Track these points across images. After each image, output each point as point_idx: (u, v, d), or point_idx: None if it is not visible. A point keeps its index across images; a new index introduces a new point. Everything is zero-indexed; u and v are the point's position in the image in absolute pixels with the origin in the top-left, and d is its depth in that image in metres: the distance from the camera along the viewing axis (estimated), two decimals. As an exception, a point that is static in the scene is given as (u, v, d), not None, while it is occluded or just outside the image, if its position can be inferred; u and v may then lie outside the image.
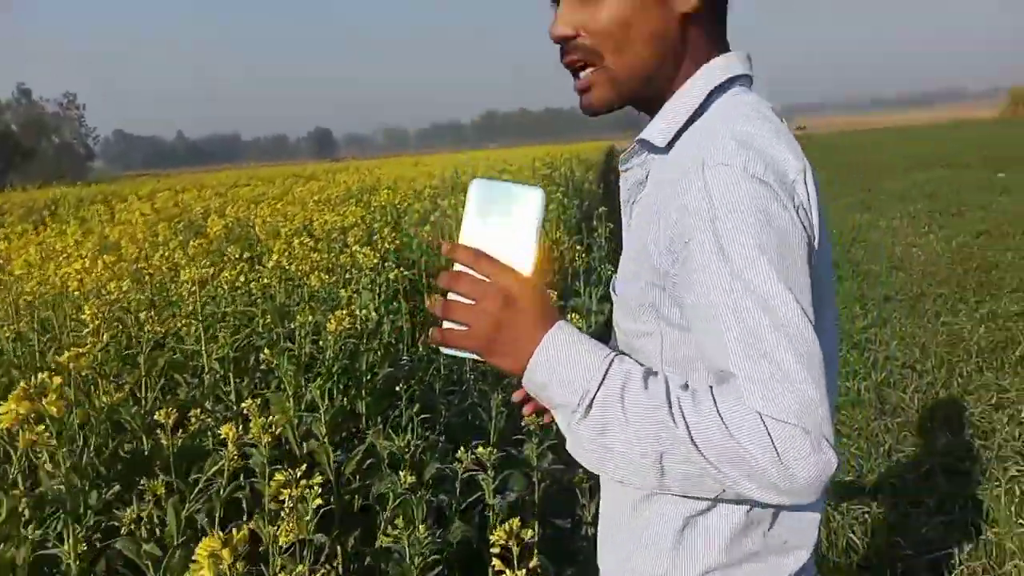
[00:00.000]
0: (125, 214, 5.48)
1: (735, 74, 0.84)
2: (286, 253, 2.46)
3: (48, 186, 21.12)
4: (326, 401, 1.45)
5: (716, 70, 0.83)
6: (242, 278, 2.29)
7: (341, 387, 1.74)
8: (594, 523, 1.39)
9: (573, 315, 2.40)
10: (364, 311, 1.78)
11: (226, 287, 2.30)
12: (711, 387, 0.70)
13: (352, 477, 1.66)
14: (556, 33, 0.83)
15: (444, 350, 0.77)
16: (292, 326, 1.69)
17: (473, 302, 0.73)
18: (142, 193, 11.25)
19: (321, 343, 1.72)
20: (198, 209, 5.64)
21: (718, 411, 0.67)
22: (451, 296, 0.75)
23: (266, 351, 1.48)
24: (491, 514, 1.30)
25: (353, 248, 2.78)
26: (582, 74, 0.84)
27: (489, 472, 1.22)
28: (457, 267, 0.75)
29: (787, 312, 0.68)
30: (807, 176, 0.75)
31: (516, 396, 0.94)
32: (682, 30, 0.82)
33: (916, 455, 3.29)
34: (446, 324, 0.75)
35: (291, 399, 1.48)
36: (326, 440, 1.51)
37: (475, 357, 0.76)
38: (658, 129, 0.83)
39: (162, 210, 6.00)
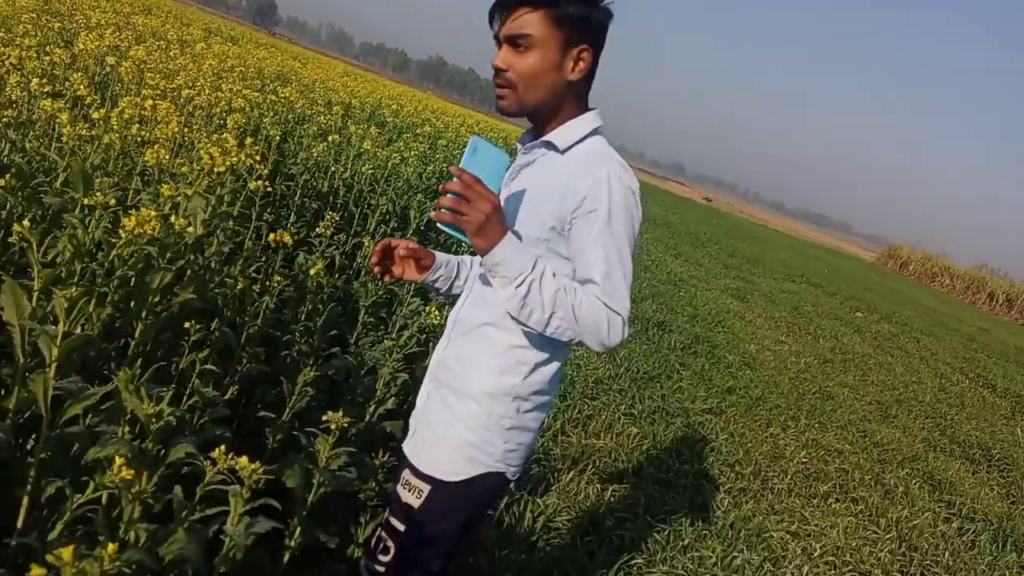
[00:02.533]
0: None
1: (600, 124, 1.46)
2: (136, 106, 1.97)
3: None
4: (66, 319, 1.00)
5: (593, 117, 1.45)
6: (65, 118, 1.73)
7: (112, 308, 1.30)
8: (365, 545, 1.81)
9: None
10: (186, 219, 1.38)
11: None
12: (581, 286, 1.32)
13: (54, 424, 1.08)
14: (495, 64, 1.40)
15: (441, 226, 1.27)
16: (85, 201, 1.24)
17: (471, 203, 1.25)
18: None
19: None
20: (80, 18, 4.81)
21: (586, 297, 1.30)
22: (452, 197, 1.25)
23: (24, 223, 1.01)
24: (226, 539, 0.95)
25: (220, 137, 2.30)
26: (501, 90, 1.41)
27: (247, 478, 0.89)
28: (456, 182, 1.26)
29: (627, 260, 1.35)
30: (640, 195, 1.43)
31: (373, 259, 1.56)
32: (566, 87, 1.41)
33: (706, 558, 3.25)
34: (448, 212, 1.25)
35: (34, 297, 1.02)
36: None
37: (461, 236, 1.28)
38: (562, 140, 1.42)
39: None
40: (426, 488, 1.46)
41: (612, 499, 3.54)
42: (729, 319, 9.09)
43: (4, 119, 1.93)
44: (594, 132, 1.44)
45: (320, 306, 2.24)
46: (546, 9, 1.33)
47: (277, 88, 4.38)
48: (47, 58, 2.87)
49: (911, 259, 52.82)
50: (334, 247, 3.40)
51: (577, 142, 1.42)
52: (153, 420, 0.90)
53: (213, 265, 1.72)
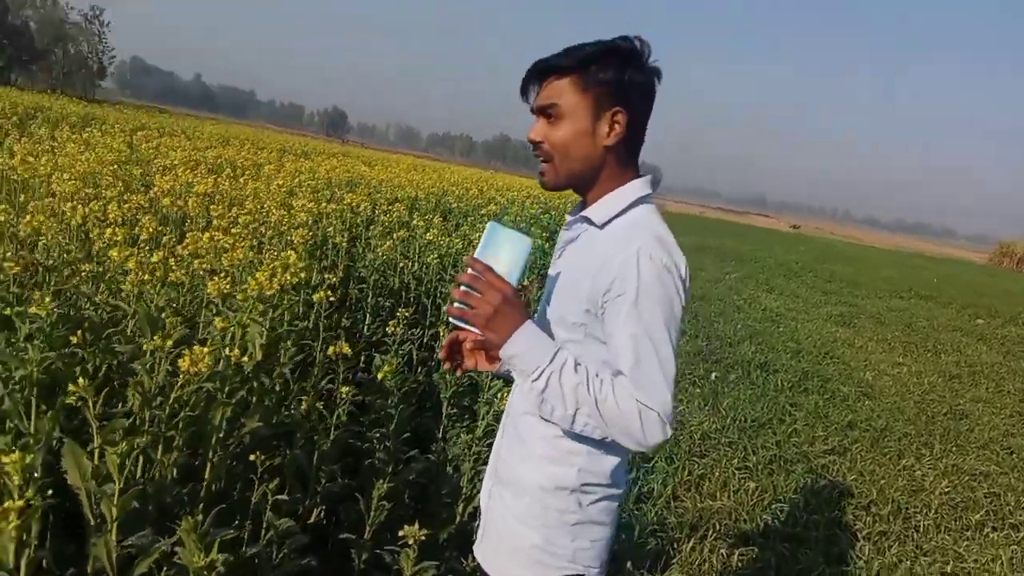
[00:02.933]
0: (73, 144, 5.00)
1: (647, 192, 1.35)
2: (196, 240, 2.04)
3: (49, 93, 20.30)
4: (120, 475, 0.96)
5: (639, 186, 1.34)
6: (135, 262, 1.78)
7: (178, 451, 1.27)
8: None
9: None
10: (243, 348, 1.36)
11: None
12: (612, 378, 1.22)
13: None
14: (530, 137, 1.35)
15: (454, 320, 1.24)
16: (144, 347, 1.24)
17: (480, 295, 1.21)
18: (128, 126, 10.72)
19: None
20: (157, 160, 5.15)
21: (614, 391, 1.20)
22: (463, 289, 1.22)
23: (80, 381, 0.98)
24: None
25: (283, 255, 2.32)
26: (541, 164, 1.35)
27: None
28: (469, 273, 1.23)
29: (664, 349, 1.22)
30: (686, 268, 1.29)
31: (442, 354, 1.48)
32: (604, 154, 1.32)
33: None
34: (458, 306, 1.22)
35: (95, 455, 1.00)
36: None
37: (474, 330, 1.23)
38: (599, 215, 1.33)
39: (123, 152, 5.54)
40: None
41: (740, 564, 3.30)
42: (837, 348, 8.60)
43: (84, 272, 2.04)
44: (639, 202, 1.34)
45: (392, 410, 2.21)
46: (574, 75, 1.28)
47: (344, 195, 4.54)
48: (126, 205, 3.06)
49: (1027, 253, 49.27)
50: (409, 343, 3.41)
51: (617, 215, 1.33)
52: (205, 572, 0.87)
53: (278, 388, 1.73)
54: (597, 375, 1.22)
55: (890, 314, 12.62)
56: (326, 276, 3.12)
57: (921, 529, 3.91)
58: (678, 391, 1.19)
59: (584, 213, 1.35)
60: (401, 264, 4.01)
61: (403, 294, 4.07)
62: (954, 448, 5.37)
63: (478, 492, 2.27)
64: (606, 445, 1.30)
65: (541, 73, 1.32)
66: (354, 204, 4.10)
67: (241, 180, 4.52)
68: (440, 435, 3.09)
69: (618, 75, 1.27)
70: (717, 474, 4.24)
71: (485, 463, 2.43)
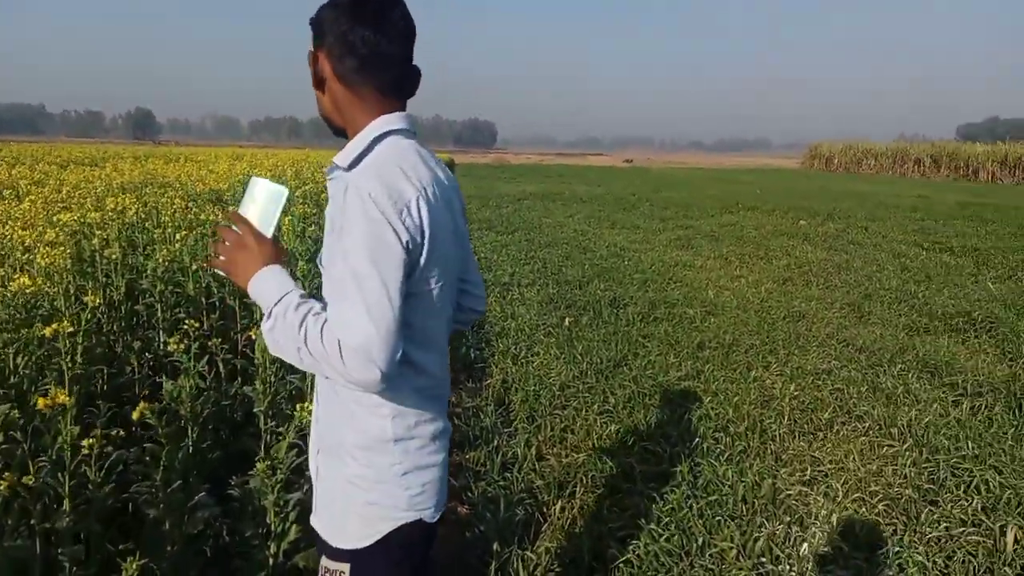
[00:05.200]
0: None
1: (395, 127, 1.37)
2: None
3: None
4: None
5: (381, 123, 1.36)
6: None
7: None
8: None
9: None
10: None
11: None
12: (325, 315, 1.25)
13: None
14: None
15: (214, 270, 1.39)
16: None
17: (228, 244, 1.33)
18: None
19: None
20: None
21: (320, 329, 1.20)
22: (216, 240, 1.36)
23: None
24: None
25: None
26: None
27: None
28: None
29: (368, 283, 1.20)
30: (419, 201, 1.28)
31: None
32: (347, 96, 1.38)
33: (730, 550, 2.89)
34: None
35: None
36: None
37: (223, 274, 1.36)
38: (342, 157, 1.36)
39: None
40: (346, 567, 1.39)
41: (610, 515, 3.16)
42: (680, 272, 8.82)
43: None
44: (383, 136, 1.35)
45: (160, 445, 1.81)
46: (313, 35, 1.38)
47: (110, 200, 3.88)
48: None
49: (832, 153, 53.96)
50: (210, 355, 2.96)
51: (361, 155, 1.34)
52: None
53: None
54: (317, 313, 1.24)
55: (722, 230, 13.22)
56: (87, 298, 2.60)
57: (777, 439, 3.97)
58: (423, 330, 1.27)
59: (334, 160, 1.37)
60: (195, 267, 3.50)
61: (203, 300, 3.56)
62: (796, 350, 5.57)
63: (291, 524, 1.94)
64: (408, 387, 1.34)
65: None
66: (118, 208, 3.50)
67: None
68: (263, 454, 2.69)
69: (315, 19, 1.37)
70: (579, 424, 4.11)
71: (294, 488, 2.08)
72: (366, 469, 1.35)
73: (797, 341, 5.84)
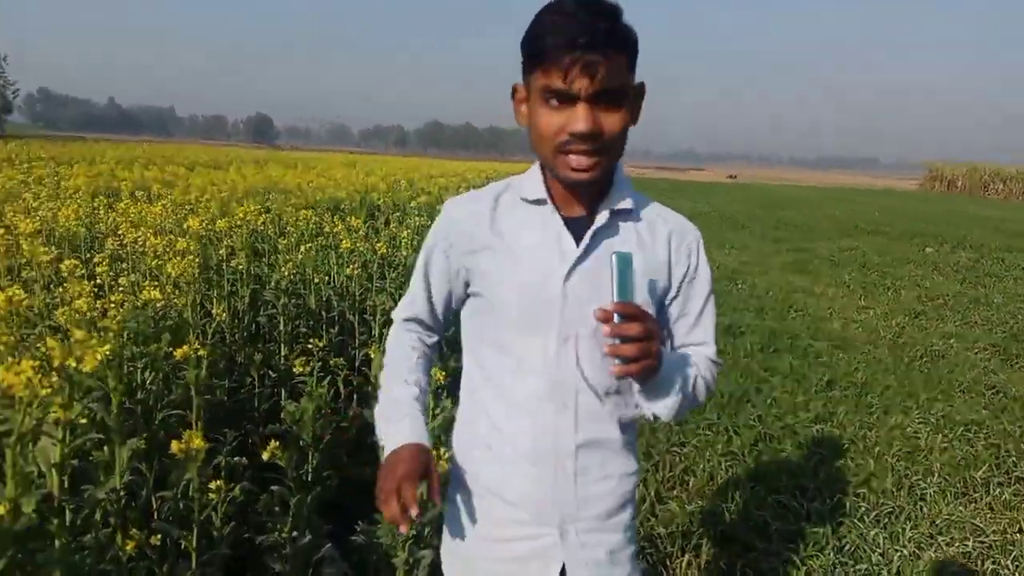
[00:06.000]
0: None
1: None
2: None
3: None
4: None
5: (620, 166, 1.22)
6: None
7: None
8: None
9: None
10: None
11: None
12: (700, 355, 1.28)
13: None
14: (584, 130, 1.04)
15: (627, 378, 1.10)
16: None
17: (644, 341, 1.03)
18: None
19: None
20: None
21: (713, 375, 1.29)
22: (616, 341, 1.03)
23: None
24: None
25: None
26: (587, 159, 1.08)
27: None
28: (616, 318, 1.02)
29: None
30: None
31: (389, 513, 1.07)
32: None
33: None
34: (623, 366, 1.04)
35: None
36: None
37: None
38: (625, 202, 1.19)
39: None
40: None
41: (743, 576, 2.86)
42: (799, 299, 8.31)
43: None
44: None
45: (288, 500, 1.68)
46: (628, 52, 1.06)
47: (239, 209, 3.89)
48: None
49: (955, 175, 50.61)
50: (331, 375, 2.86)
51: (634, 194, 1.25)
52: None
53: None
54: (698, 369, 1.25)
55: (842, 255, 12.48)
56: (214, 311, 2.55)
57: (928, 499, 3.55)
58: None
59: (621, 206, 1.19)
60: (316, 280, 3.44)
61: (324, 313, 3.50)
62: (939, 395, 5.06)
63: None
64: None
65: (607, 45, 1.02)
66: (246, 217, 3.50)
67: (120, 206, 3.87)
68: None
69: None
70: (702, 466, 3.81)
71: (424, 547, 1.91)
72: (632, 508, 1.29)
73: (939, 385, 5.31)
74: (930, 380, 5.42)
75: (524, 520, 1.19)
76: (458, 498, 1.25)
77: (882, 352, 6.12)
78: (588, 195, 1.17)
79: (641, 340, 1.01)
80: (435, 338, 1.35)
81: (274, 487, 1.72)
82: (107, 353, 1.53)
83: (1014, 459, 4.03)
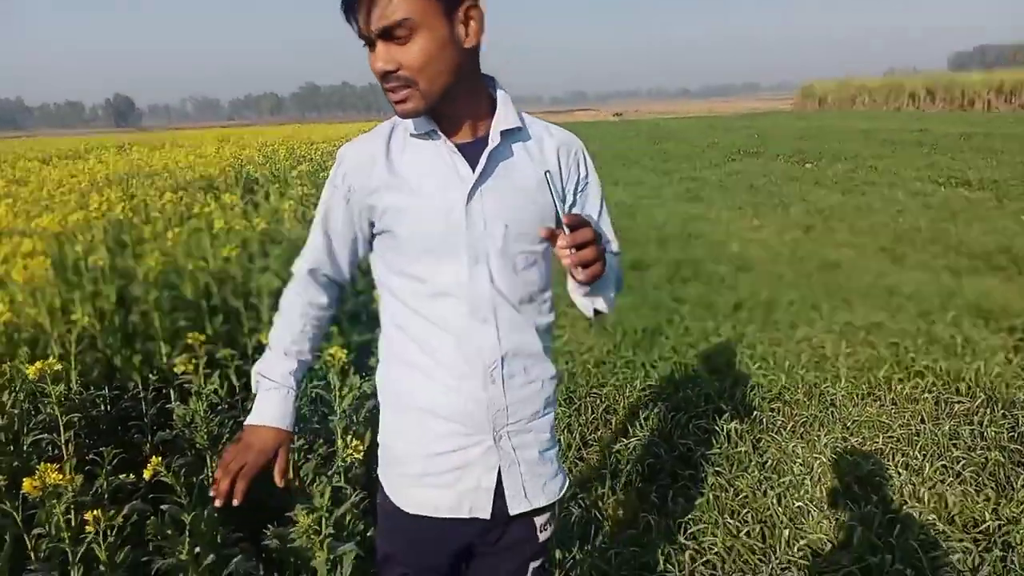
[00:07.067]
0: None
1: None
2: None
3: None
4: None
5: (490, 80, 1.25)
6: None
7: None
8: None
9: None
10: None
11: None
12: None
13: None
14: (377, 68, 1.11)
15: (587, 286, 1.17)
16: None
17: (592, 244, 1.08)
18: None
19: None
20: None
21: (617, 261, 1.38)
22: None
23: None
24: None
25: None
26: (398, 93, 1.12)
27: None
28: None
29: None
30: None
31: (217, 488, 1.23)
32: (466, 58, 1.14)
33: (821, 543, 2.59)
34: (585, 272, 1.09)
35: None
36: None
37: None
38: (509, 120, 1.22)
39: None
40: (551, 515, 1.37)
41: (676, 510, 2.85)
42: (697, 226, 8.47)
43: None
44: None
45: (182, 517, 1.48)
46: None
47: (93, 199, 3.48)
48: None
49: (825, 92, 53.08)
50: (221, 368, 2.62)
51: (519, 114, 1.26)
52: None
53: None
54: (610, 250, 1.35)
55: (730, 179, 12.84)
56: (74, 316, 2.27)
57: (837, 403, 3.66)
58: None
59: (506, 127, 1.21)
60: (191, 266, 3.14)
61: (204, 303, 3.20)
62: (840, 303, 5.25)
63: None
64: None
65: None
66: (100, 207, 3.11)
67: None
68: (290, 473, 2.37)
69: None
70: (622, 404, 3.79)
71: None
72: (554, 406, 1.36)
73: (839, 293, 5.52)
74: (830, 289, 5.61)
75: (459, 432, 1.25)
76: (391, 424, 1.32)
77: (782, 268, 6.30)
78: (471, 120, 1.21)
79: (594, 242, 1.07)
80: (335, 291, 1.37)
81: (163, 505, 1.52)
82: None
83: (912, 355, 4.21)
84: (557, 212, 1.09)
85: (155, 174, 6.07)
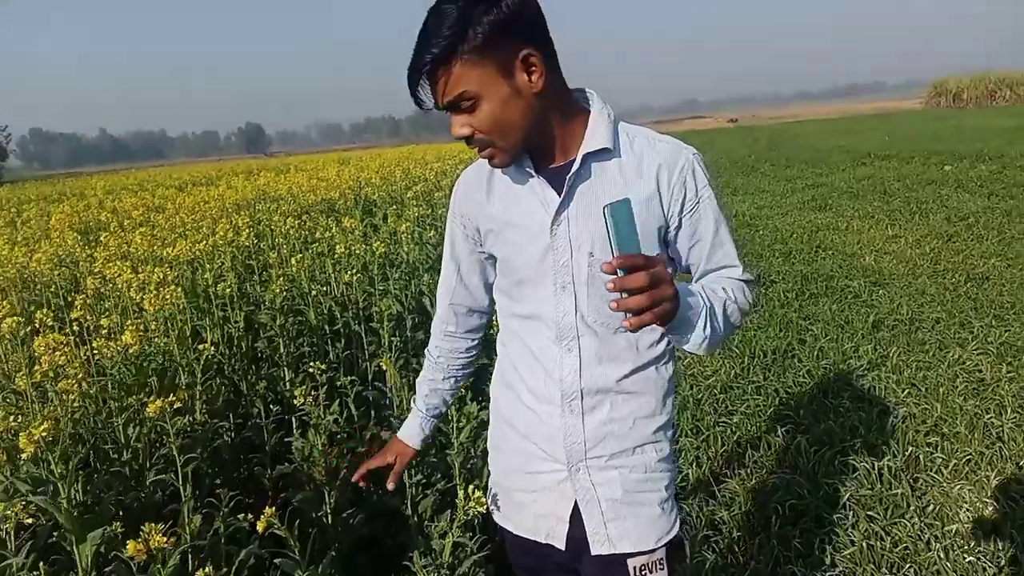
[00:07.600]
0: None
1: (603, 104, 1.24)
2: None
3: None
4: None
5: (599, 105, 1.23)
6: None
7: None
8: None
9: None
10: None
11: None
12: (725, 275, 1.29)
13: None
14: (456, 135, 1.17)
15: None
16: None
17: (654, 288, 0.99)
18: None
19: None
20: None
21: (743, 291, 1.27)
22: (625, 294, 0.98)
23: None
24: None
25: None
26: (483, 152, 1.19)
27: None
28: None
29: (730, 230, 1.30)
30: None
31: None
32: (540, 100, 1.14)
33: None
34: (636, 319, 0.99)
35: None
36: None
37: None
38: (601, 140, 1.19)
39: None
40: (662, 553, 1.28)
41: (822, 559, 2.59)
42: (825, 237, 7.95)
43: None
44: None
45: (296, 563, 1.41)
46: (458, 56, 1.08)
47: (220, 227, 3.59)
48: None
49: (960, 87, 49.40)
50: (341, 395, 2.60)
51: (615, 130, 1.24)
52: None
53: None
54: (725, 287, 1.25)
55: (860, 184, 12.06)
56: (202, 346, 2.29)
57: (1005, 438, 3.25)
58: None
59: (587, 150, 1.19)
60: (314, 292, 3.17)
61: (327, 328, 3.23)
62: (994, 321, 4.73)
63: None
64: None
65: (429, 75, 1.12)
66: (226, 234, 3.19)
67: (104, 238, 3.59)
68: (408, 510, 2.31)
69: (495, 20, 1.08)
70: (755, 433, 3.53)
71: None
72: (669, 448, 1.30)
73: (990, 309, 4.98)
74: (979, 305, 5.09)
75: (536, 454, 1.29)
76: (490, 431, 1.42)
77: (923, 282, 5.78)
78: (563, 142, 1.20)
79: (646, 289, 0.98)
80: (474, 320, 1.45)
81: (278, 560, 1.47)
82: (45, 433, 1.27)
83: (1091, 382, 3.71)
84: (612, 248, 0.99)
85: (280, 198, 6.30)
